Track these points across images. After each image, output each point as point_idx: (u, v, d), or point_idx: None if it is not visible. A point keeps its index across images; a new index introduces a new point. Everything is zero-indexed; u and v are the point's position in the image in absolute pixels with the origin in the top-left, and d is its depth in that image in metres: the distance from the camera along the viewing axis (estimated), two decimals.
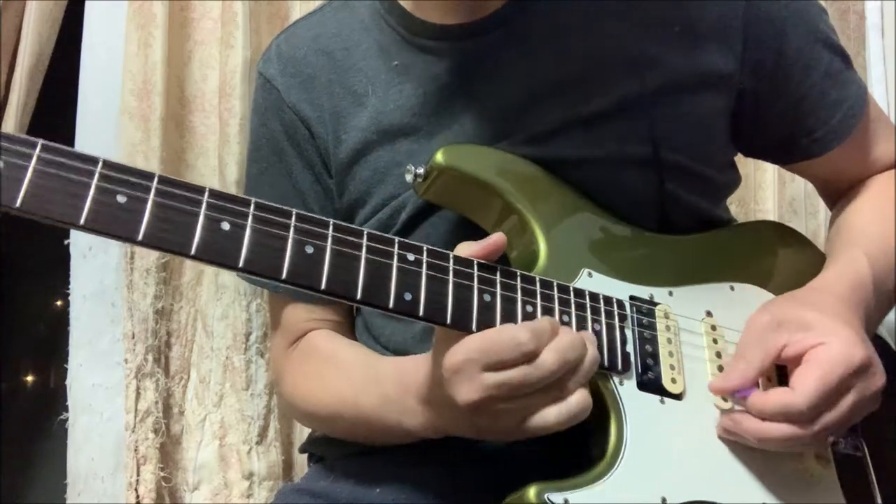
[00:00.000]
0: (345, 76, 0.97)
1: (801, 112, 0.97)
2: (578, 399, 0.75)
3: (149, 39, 1.36)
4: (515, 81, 0.91)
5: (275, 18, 1.48)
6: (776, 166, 1.55)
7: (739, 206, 1.52)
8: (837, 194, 1.05)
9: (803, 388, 0.77)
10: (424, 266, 0.76)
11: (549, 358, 0.73)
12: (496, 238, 0.79)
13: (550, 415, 0.74)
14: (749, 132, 0.99)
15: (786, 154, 1.04)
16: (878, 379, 0.80)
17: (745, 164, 1.51)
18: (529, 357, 0.73)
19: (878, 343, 1.00)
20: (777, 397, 0.79)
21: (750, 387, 0.81)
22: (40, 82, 1.38)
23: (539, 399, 0.74)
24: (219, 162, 1.40)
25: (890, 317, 1.09)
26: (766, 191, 1.52)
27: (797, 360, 0.80)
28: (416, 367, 0.83)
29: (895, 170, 1.03)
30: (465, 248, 0.79)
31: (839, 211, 1.03)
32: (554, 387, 0.74)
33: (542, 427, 0.74)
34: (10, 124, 1.33)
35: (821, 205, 1.54)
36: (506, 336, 0.73)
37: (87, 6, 1.41)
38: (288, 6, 1.49)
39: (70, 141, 1.38)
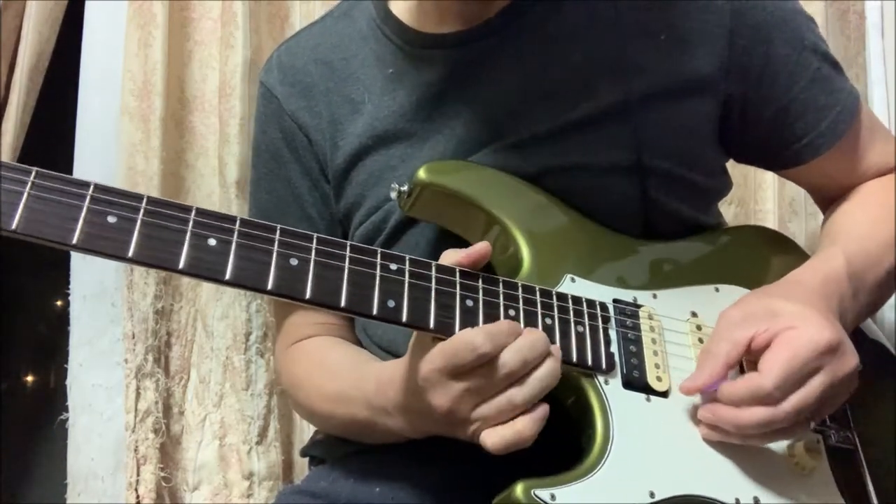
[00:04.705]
0: (343, 85, 1.00)
1: (789, 118, 0.98)
2: (520, 427, 0.75)
3: (149, 39, 1.37)
4: (506, 88, 0.93)
5: (275, 18, 1.49)
6: None
7: (739, 207, 1.52)
8: (830, 200, 1.06)
9: (769, 368, 0.79)
10: (407, 275, 0.78)
11: (507, 359, 0.75)
12: (481, 246, 0.81)
13: (489, 436, 0.75)
14: (738, 138, 1.00)
15: (776, 160, 1.04)
16: (850, 360, 0.81)
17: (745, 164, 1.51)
18: (487, 359, 0.74)
19: (875, 346, 1.00)
20: (744, 382, 0.80)
21: (718, 381, 0.82)
22: (40, 82, 1.38)
23: (495, 411, 0.75)
24: (219, 162, 1.40)
25: (890, 317, 1.09)
26: (766, 191, 1.51)
27: (767, 347, 0.81)
28: (393, 371, 0.84)
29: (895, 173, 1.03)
30: (451, 256, 0.81)
31: (829, 215, 1.04)
32: (513, 387, 0.75)
33: (482, 444, 0.76)
34: (11, 124, 1.34)
35: None
36: (462, 340, 0.75)
37: (87, 6, 1.41)
38: (288, 6, 1.50)
39: (71, 141, 1.39)
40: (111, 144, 1.36)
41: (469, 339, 0.75)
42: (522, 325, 0.80)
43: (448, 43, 0.95)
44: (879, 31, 1.60)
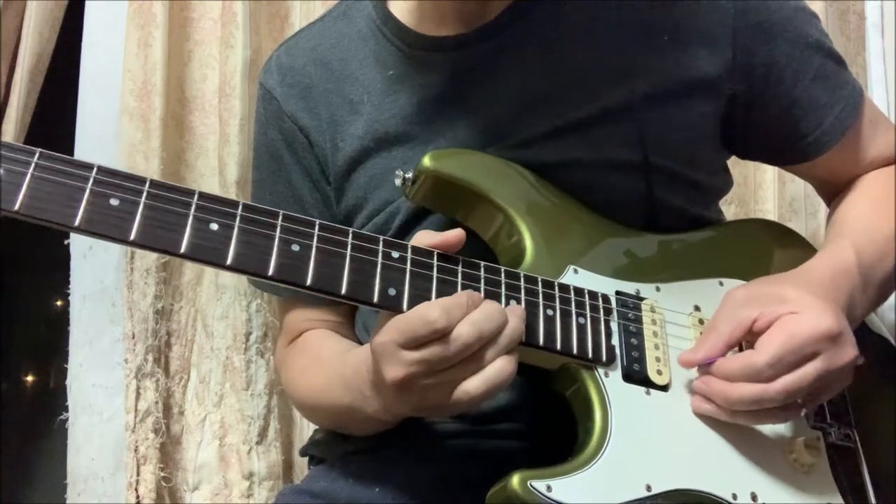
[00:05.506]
0: (341, 85, 1.00)
1: (793, 116, 0.98)
2: (498, 367, 0.75)
3: (149, 39, 1.37)
4: (507, 90, 0.93)
5: (275, 18, 1.49)
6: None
7: (739, 207, 1.52)
8: (835, 193, 1.06)
9: (764, 347, 0.80)
10: (409, 263, 0.78)
11: (463, 332, 0.74)
12: (454, 234, 0.81)
13: (470, 386, 0.75)
14: (742, 136, 1.00)
15: (781, 157, 1.05)
16: (849, 351, 0.81)
17: (745, 164, 1.51)
18: (442, 333, 0.74)
19: (879, 340, 1.00)
20: (739, 357, 0.81)
21: (717, 357, 0.82)
22: (40, 82, 1.38)
23: (460, 373, 0.75)
24: (218, 162, 1.40)
25: (890, 316, 1.09)
26: (766, 191, 1.52)
27: (768, 328, 0.82)
28: (366, 354, 0.84)
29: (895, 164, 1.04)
30: (424, 238, 0.81)
31: (834, 207, 1.05)
32: (473, 360, 0.75)
33: (466, 400, 0.75)
34: (11, 124, 1.34)
35: (821, 204, 1.54)
36: (418, 314, 0.74)
37: (87, 6, 1.41)
38: (288, 6, 1.50)
39: (70, 141, 1.39)
40: (111, 144, 1.36)
41: (424, 314, 0.74)
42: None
43: (448, 46, 0.94)
44: (879, 31, 1.60)
